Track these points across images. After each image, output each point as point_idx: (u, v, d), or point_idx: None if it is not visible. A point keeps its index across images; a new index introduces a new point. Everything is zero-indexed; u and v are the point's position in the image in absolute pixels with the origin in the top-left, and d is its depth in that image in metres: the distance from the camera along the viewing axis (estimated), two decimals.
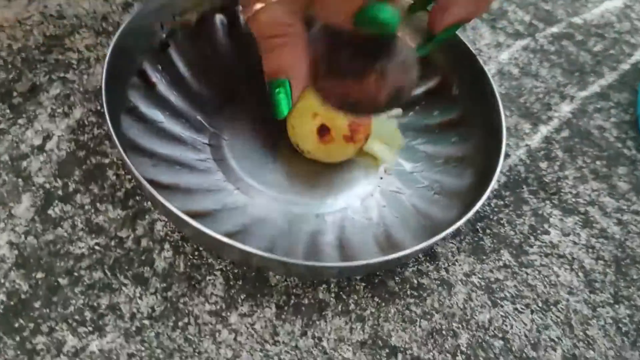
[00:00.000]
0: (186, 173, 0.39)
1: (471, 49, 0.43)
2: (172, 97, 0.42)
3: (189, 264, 0.36)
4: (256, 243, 0.36)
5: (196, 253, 0.37)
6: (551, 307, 0.38)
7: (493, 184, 0.36)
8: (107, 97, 0.35)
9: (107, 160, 0.39)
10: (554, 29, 0.57)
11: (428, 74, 0.46)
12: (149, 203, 0.38)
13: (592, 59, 0.55)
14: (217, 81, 0.44)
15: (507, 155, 0.46)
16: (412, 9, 0.35)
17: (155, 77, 0.41)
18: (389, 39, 0.28)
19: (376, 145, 0.42)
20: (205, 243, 0.36)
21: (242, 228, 0.37)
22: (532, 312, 0.38)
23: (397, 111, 0.44)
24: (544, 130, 0.49)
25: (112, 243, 0.36)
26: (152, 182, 0.36)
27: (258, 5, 0.34)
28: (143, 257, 0.36)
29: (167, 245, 0.37)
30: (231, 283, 0.36)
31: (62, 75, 0.43)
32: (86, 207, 0.37)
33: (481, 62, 0.42)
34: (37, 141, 0.39)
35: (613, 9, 0.61)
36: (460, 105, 0.44)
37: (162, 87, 0.41)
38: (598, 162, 0.47)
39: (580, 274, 0.40)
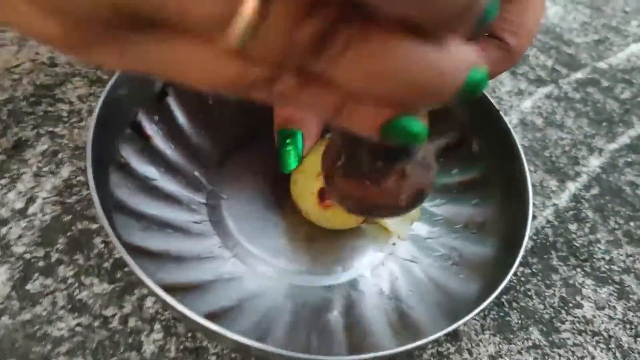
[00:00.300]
0: (179, 237, 0.35)
1: (491, 98, 0.39)
2: (169, 150, 0.38)
3: (181, 347, 0.32)
4: (253, 321, 0.32)
5: (189, 334, 0.33)
6: None
7: (520, 256, 0.32)
8: (96, 153, 0.31)
9: (94, 226, 0.36)
10: (579, 75, 0.54)
11: (446, 128, 0.42)
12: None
13: (620, 107, 0.52)
14: (219, 133, 0.40)
15: (533, 217, 0.42)
16: None
17: (151, 130, 0.38)
18: (409, 149, 0.26)
19: None
20: (192, 326, 0.32)
21: (237, 303, 0.33)
22: None
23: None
24: (572, 187, 0.45)
25: (96, 323, 0.32)
26: (139, 250, 0.33)
27: None
28: (130, 340, 0.32)
29: (157, 326, 0.33)
30: None
31: (50, 129, 0.39)
32: (69, 281, 0.33)
33: (503, 114, 0.38)
34: (20, 204, 0.36)
35: (639, 52, 0.58)
36: (482, 163, 0.40)
37: (158, 140, 0.38)
38: (632, 224, 0.43)
39: (617, 354, 0.36)
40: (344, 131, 0.24)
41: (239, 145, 0.40)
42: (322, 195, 0.34)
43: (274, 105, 0.16)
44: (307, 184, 0.35)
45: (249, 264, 0.35)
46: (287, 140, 0.34)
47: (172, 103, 0.39)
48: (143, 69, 0.15)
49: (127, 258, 0.28)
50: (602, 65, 0.55)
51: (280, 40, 0.13)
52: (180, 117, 0.40)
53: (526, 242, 0.33)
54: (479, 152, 0.41)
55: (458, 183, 0.40)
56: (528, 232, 0.34)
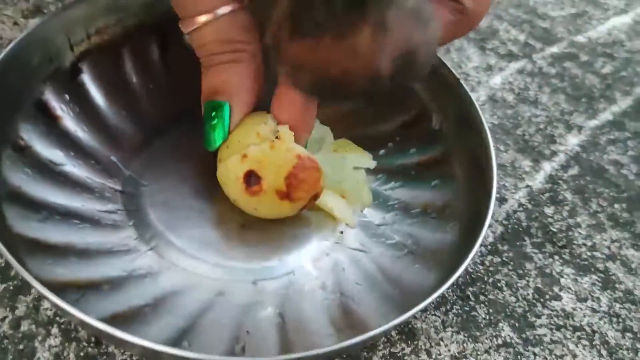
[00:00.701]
0: (87, 229, 0.30)
1: (455, 73, 0.35)
2: (81, 132, 0.34)
3: (82, 354, 0.27)
4: (170, 323, 0.27)
5: (92, 340, 0.28)
6: None
7: (482, 238, 0.27)
8: None
9: None
10: (554, 49, 0.49)
11: (403, 103, 0.37)
12: None
13: (601, 82, 0.47)
14: (141, 113, 0.36)
15: (503, 200, 0.37)
16: None
17: (60, 109, 0.33)
18: None
19: (332, 199, 0.32)
20: (90, 331, 0.27)
21: (152, 302, 0.28)
22: None
23: (370, 162, 0.34)
24: (547, 167, 0.40)
25: None
26: (35, 243, 0.28)
27: (203, 18, 0.28)
28: (21, 347, 0.27)
29: (55, 330, 0.28)
30: None
31: None
32: None
33: (468, 88, 0.34)
34: None
35: (621, 25, 0.53)
36: (442, 141, 0.35)
37: (68, 121, 0.33)
38: (617, 206, 0.38)
39: (603, 351, 0.31)
40: None
41: (164, 128, 0.36)
42: (248, 180, 0.29)
43: None
44: (231, 166, 0.30)
45: (169, 257, 0.30)
46: (213, 113, 0.30)
47: (88, 81, 0.35)
48: None
49: (1, 247, 0.23)
50: (580, 39, 0.51)
51: None
52: (97, 97, 0.35)
53: (489, 222, 0.28)
54: (439, 129, 0.36)
55: (416, 163, 0.36)
56: (491, 209, 0.29)
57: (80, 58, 0.35)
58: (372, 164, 0.34)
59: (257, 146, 0.29)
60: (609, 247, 0.36)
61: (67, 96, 0.34)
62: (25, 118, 0.32)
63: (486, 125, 0.32)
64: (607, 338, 0.32)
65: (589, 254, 0.35)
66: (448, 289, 0.31)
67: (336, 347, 0.24)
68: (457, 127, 0.35)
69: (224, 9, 0.28)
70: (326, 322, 0.28)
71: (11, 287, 0.29)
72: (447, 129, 0.36)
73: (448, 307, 0.32)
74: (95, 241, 0.30)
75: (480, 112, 0.33)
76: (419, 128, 0.36)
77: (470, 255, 0.27)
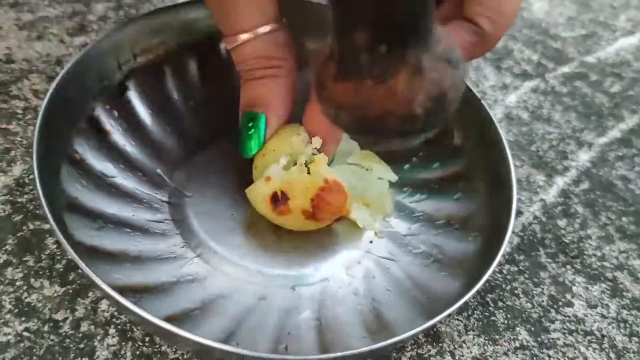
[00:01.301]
0: (138, 237, 0.32)
1: (476, 92, 0.37)
2: (129, 147, 0.36)
3: (137, 352, 0.30)
4: (218, 324, 0.30)
5: (147, 339, 0.30)
6: None
7: (503, 250, 0.30)
8: (45, 148, 0.30)
9: (47, 226, 0.33)
10: (565, 69, 0.52)
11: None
12: None
13: (610, 101, 0.50)
14: (183, 129, 0.38)
15: (519, 213, 0.40)
16: None
17: (109, 125, 0.36)
18: (426, 19, 0.19)
19: (357, 209, 0.35)
20: (149, 329, 0.30)
21: (201, 305, 0.30)
22: None
23: (392, 175, 0.37)
24: (560, 182, 0.42)
25: (46, 328, 0.30)
26: (94, 250, 0.30)
27: (244, 36, 0.31)
28: (82, 346, 0.29)
29: (112, 330, 0.30)
30: None
31: (3, 126, 0.37)
32: (17, 284, 0.31)
33: (486, 106, 0.36)
34: None
35: (628, 46, 0.56)
36: (464, 156, 0.38)
37: (118, 135, 0.36)
38: (624, 219, 0.41)
39: (611, 354, 0.34)
40: (336, 12, 0.19)
41: (204, 142, 0.38)
42: (275, 201, 0.32)
43: None
44: (260, 186, 0.32)
45: (213, 264, 0.33)
46: (250, 124, 0.32)
47: (134, 98, 0.37)
48: None
49: (74, 255, 0.26)
50: (590, 59, 0.53)
51: None
52: (142, 113, 0.37)
53: (509, 235, 0.31)
54: (461, 145, 0.38)
55: (439, 177, 0.38)
56: (512, 224, 0.31)
57: (127, 76, 0.37)
58: (394, 177, 0.36)
59: (287, 169, 0.31)
60: (617, 258, 0.38)
61: (115, 112, 0.36)
62: (79, 133, 0.34)
63: (506, 143, 0.35)
64: (615, 342, 0.34)
65: (598, 263, 0.38)
66: (470, 298, 0.33)
67: (370, 348, 0.26)
68: (478, 144, 0.37)
69: (264, 29, 0.31)
70: (360, 326, 0.31)
71: (70, 291, 0.31)
72: (469, 145, 0.38)
73: (470, 313, 0.34)
74: (146, 249, 0.32)
75: (499, 130, 0.35)
76: (441, 144, 0.39)
77: (493, 266, 0.29)
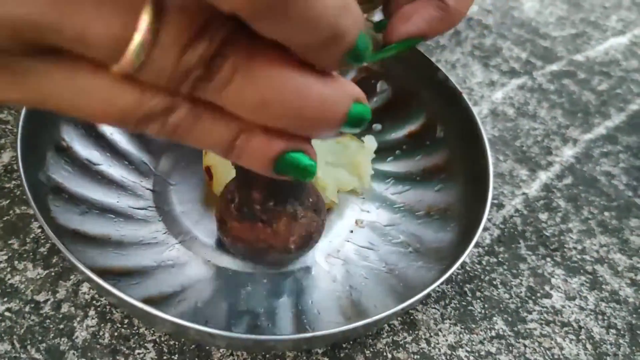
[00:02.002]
0: (121, 223, 0.33)
1: (459, 87, 0.38)
2: (116, 135, 0.37)
3: (115, 334, 0.30)
4: (194, 307, 0.30)
5: (126, 321, 0.31)
6: None
7: (477, 237, 0.30)
8: (30, 135, 0.30)
9: (32, 211, 0.34)
10: (554, 67, 0.52)
11: (411, 114, 0.41)
12: None
13: (597, 99, 0.50)
14: None
15: (501, 206, 0.40)
16: (379, 25, 0.32)
17: None
18: (299, 188, 0.28)
19: (335, 173, 0.36)
20: (128, 311, 0.30)
21: (179, 289, 0.31)
22: None
23: (371, 144, 0.38)
24: (543, 176, 0.43)
25: (27, 308, 0.30)
26: (77, 234, 0.31)
27: None
28: (61, 326, 0.30)
29: (92, 312, 0.31)
30: (164, 358, 0.30)
31: None
32: (1, 265, 0.32)
33: (468, 100, 0.37)
34: None
35: (618, 45, 0.56)
36: (445, 149, 0.38)
37: (105, 125, 0.36)
38: (606, 213, 0.41)
39: (588, 345, 0.34)
40: (238, 171, 0.27)
41: None
42: (209, 174, 0.35)
43: (172, 141, 0.16)
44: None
45: (194, 250, 0.33)
46: None
47: None
48: (38, 100, 0.15)
49: (52, 236, 0.26)
50: (578, 58, 0.54)
51: (171, 63, 0.14)
52: None
53: (483, 225, 0.31)
54: (443, 138, 0.39)
55: (421, 169, 0.39)
56: (487, 212, 0.32)
57: None
58: (374, 144, 0.38)
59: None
60: (597, 251, 0.39)
61: None
62: (66, 121, 0.35)
63: (485, 137, 0.35)
64: (592, 334, 0.35)
65: (579, 257, 0.38)
66: (447, 284, 0.34)
67: (342, 329, 0.26)
68: (459, 137, 0.38)
69: None
70: (336, 311, 0.31)
71: (52, 274, 0.32)
72: (450, 139, 0.39)
73: (447, 302, 0.35)
74: (128, 234, 0.33)
75: (480, 124, 0.36)
76: (424, 137, 0.40)
77: (466, 252, 0.30)
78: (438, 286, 0.34)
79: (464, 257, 0.30)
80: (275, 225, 0.27)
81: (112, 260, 0.31)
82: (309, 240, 0.29)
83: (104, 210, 0.33)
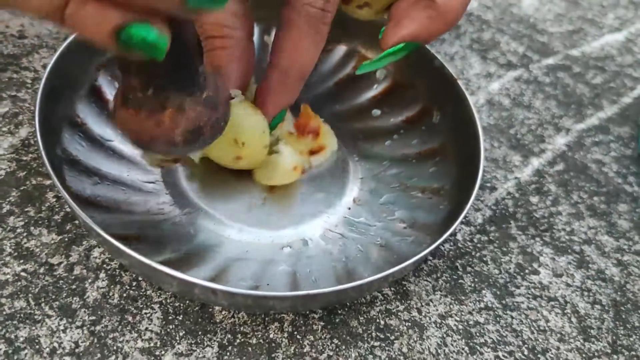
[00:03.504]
0: (130, 194, 0.35)
1: (454, 73, 0.40)
2: None
3: (124, 295, 0.32)
4: (199, 273, 0.32)
5: (134, 283, 0.33)
6: (539, 356, 0.34)
7: (465, 212, 0.32)
8: (48, 110, 0.33)
9: (48, 182, 0.36)
10: (550, 61, 0.54)
11: (408, 101, 0.43)
12: None
13: (591, 92, 0.52)
14: None
15: (493, 189, 0.42)
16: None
17: (110, 94, 0.39)
18: (186, 71, 0.26)
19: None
20: (138, 269, 0.32)
21: (184, 256, 0.33)
22: None
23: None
24: (535, 162, 0.45)
25: (42, 270, 0.32)
26: (89, 202, 0.33)
27: None
28: (74, 287, 0.32)
29: (102, 274, 0.33)
30: (170, 318, 0.32)
31: (13, 94, 0.40)
32: (18, 230, 0.34)
33: (463, 87, 0.39)
34: None
35: (614, 42, 0.58)
36: (441, 134, 0.40)
37: None
38: (596, 198, 0.43)
39: (573, 319, 0.36)
40: (117, 56, 0.25)
41: None
42: None
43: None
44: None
45: (199, 222, 0.35)
46: None
47: None
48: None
49: (67, 198, 0.28)
50: (574, 52, 0.56)
51: None
52: None
53: (473, 199, 0.33)
54: (439, 123, 0.41)
55: (417, 152, 0.41)
56: (476, 190, 0.34)
57: None
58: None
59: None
60: (585, 233, 0.40)
61: (116, 83, 0.39)
62: (81, 99, 0.37)
63: (478, 121, 0.37)
64: (577, 308, 0.36)
65: (567, 237, 0.40)
66: (439, 259, 0.36)
67: (336, 289, 0.28)
68: (453, 122, 0.40)
69: None
70: (332, 279, 0.33)
71: (66, 239, 0.34)
72: (445, 124, 0.40)
73: (438, 275, 0.36)
74: (137, 204, 0.35)
75: (474, 109, 0.38)
76: (421, 122, 0.41)
77: (456, 223, 0.31)
78: (430, 260, 0.36)
79: (454, 228, 0.31)
80: (158, 116, 0.25)
81: (122, 228, 0.33)
82: (198, 135, 0.27)
83: (115, 182, 0.35)
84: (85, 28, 0.17)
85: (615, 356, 0.34)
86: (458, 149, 0.39)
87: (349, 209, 0.38)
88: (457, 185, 0.37)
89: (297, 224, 0.37)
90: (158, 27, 0.17)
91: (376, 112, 0.43)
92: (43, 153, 0.30)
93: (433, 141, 0.41)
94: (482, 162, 0.35)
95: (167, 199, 0.36)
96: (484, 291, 0.36)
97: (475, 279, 0.37)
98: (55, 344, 0.30)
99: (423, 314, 0.34)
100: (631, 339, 0.35)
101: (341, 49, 0.45)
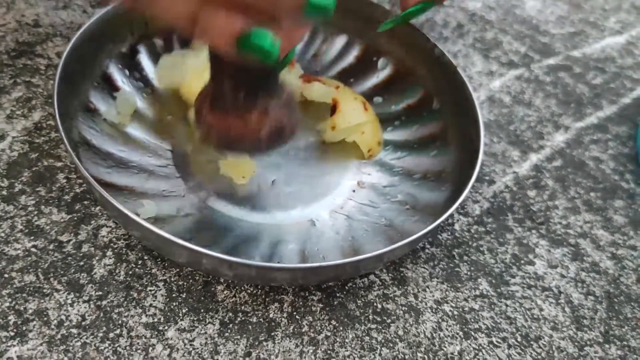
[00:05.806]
0: (143, 178, 0.36)
1: (454, 61, 0.41)
2: (139, 102, 0.40)
3: (130, 272, 0.33)
4: (207, 249, 0.33)
5: (140, 262, 0.34)
6: (532, 342, 0.34)
7: (464, 196, 0.33)
8: (64, 94, 0.34)
9: (59, 164, 0.37)
10: (551, 61, 0.55)
11: (409, 89, 0.44)
12: (97, 208, 0.35)
13: (590, 92, 0.53)
14: None
15: (492, 182, 0.43)
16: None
17: (121, 82, 0.40)
18: (272, 78, 0.28)
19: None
20: (151, 242, 0.33)
21: (194, 235, 0.34)
22: (509, 346, 0.34)
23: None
24: (534, 158, 0.45)
25: (51, 247, 0.33)
26: (103, 183, 0.34)
27: None
28: (81, 263, 0.33)
29: (109, 252, 0.34)
30: (174, 295, 0.33)
31: (27, 79, 0.41)
32: (29, 209, 0.35)
33: (462, 74, 0.40)
34: None
35: (615, 44, 0.59)
36: (441, 119, 0.42)
37: (129, 91, 0.40)
38: (592, 194, 0.44)
39: (567, 309, 0.36)
40: (212, 63, 0.27)
41: None
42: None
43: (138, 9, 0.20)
44: None
45: (210, 204, 0.37)
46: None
47: (144, 60, 0.41)
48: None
49: (84, 172, 0.29)
50: (575, 53, 0.57)
51: None
52: (151, 73, 0.42)
53: (472, 183, 0.34)
54: (440, 109, 0.42)
55: (419, 137, 0.42)
56: (476, 173, 0.34)
57: (139, 41, 0.41)
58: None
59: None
60: (581, 227, 0.41)
61: (126, 71, 0.40)
62: (94, 87, 0.38)
63: (478, 106, 0.38)
64: (571, 299, 0.37)
65: (563, 230, 0.41)
66: (436, 247, 0.37)
67: (336, 263, 0.29)
68: (453, 108, 0.41)
69: None
70: (339, 258, 0.34)
71: (75, 218, 0.35)
72: (445, 110, 0.42)
73: (436, 262, 0.37)
74: (151, 187, 0.36)
75: (473, 95, 0.39)
76: (422, 109, 0.43)
77: (449, 211, 0.32)
78: (428, 248, 0.37)
79: (449, 213, 0.32)
80: (247, 116, 0.28)
81: (134, 207, 0.34)
82: (280, 134, 0.30)
83: (129, 166, 0.36)
84: (213, 35, 0.18)
85: (607, 345, 0.35)
86: (458, 134, 0.40)
87: (354, 191, 0.39)
88: (457, 168, 0.39)
89: (304, 205, 0.38)
90: (273, 35, 0.19)
91: (378, 99, 0.45)
92: (63, 134, 0.31)
93: (434, 127, 0.42)
94: (482, 145, 0.36)
95: (179, 182, 0.37)
96: (479, 279, 0.37)
97: (472, 268, 0.37)
98: (63, 317, 0.31)
99: (419, 299, 0.35)
100: (623, 329, 0.36)
101: (342, 38, 0.47)
